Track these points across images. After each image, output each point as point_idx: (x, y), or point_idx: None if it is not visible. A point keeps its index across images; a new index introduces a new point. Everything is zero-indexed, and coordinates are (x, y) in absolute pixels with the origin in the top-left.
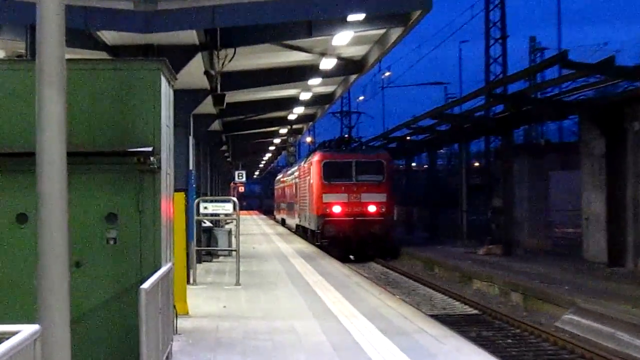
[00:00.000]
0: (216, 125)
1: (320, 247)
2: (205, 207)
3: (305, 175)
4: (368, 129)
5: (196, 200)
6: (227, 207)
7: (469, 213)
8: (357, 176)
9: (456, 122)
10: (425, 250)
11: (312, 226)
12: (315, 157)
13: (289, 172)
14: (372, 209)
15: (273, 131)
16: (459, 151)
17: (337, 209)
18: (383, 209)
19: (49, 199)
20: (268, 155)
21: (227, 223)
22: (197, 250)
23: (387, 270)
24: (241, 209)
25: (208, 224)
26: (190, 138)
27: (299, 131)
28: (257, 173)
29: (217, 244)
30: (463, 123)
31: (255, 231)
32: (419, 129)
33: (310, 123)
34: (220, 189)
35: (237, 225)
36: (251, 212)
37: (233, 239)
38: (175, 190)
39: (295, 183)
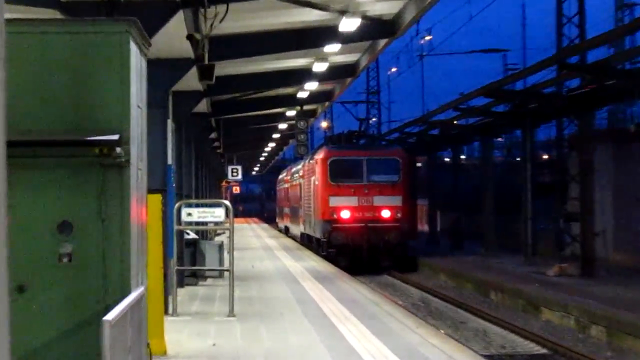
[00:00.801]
0: (203, 106)
1: (327, 257)
2: (189, 214)
3: (309, 175)
4: (401, 110)
5: (177, 205)
6: (218, 214)
7: (534, 220)
8: (368, 176)
9: (518, 102)
10: (476, 269)
11: (317, 233)
12: (320, 154)
13: (294, 169)
14: (386, 214)
15: (277, 114)
16: (522, 139)
17: (345, 214)
18: (399, 214)
19: None
20: (271, 145)
21: (218, 234)
22: (179, 271)
23: (426, 295)
24: (236, 215)
25: (193, 235)
26: (169, 122)
27: (312, 113)
28: (256, 169)
29: (205, 261)
30: (527, 102)
31: (255, 244)
32: (468, 110)
33: (327, 103)
34: (208, 189)
35: (231, 237)
36: (249, 219)
37: (226, 255)
38: (150, 191)
39: (300, 184)
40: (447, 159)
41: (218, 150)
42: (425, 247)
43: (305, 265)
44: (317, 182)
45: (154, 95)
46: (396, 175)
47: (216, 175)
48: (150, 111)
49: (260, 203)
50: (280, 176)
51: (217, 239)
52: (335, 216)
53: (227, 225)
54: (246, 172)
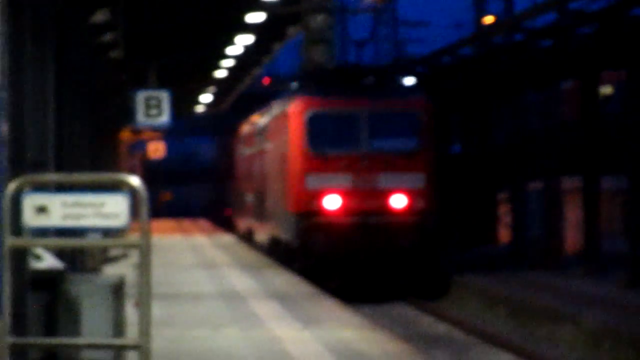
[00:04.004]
0: None
1: (305, 273)
2: (43, 209)
3: (275, 138)
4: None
5: (11, 187)
6: (112, 209)
7: None
8: (370, 141)
9: None
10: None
11: (286, 235)
12: (293, 104)
13: (264, 117)
14: (398, 201)
15: None
16: None
17: (332, 203)
18: (419, 202)
19: None
20: (241, 41)
21: (111, 260)
22: (14, 349)
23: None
24: (157, 214)
25: (50, 261)
26: None
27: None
28: (205, 100)
29: (81, 326)
30: None
31: (200, 282)
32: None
33: None
34: (91, 151)
35: (144, 268)
36: (189, 221)
37: (130, 311)
38: None
39: (262, 151)
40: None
41: (113, 55)
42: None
43: (322, 338)
44: (287, 151)
45: None
46: (414, 138)
47: (109, 117)
48: None
49: (215, 184)
50: (242, 129)
51: (109, 270)
52: (314, 205)
53: (135, 238)
54: (182, 110)
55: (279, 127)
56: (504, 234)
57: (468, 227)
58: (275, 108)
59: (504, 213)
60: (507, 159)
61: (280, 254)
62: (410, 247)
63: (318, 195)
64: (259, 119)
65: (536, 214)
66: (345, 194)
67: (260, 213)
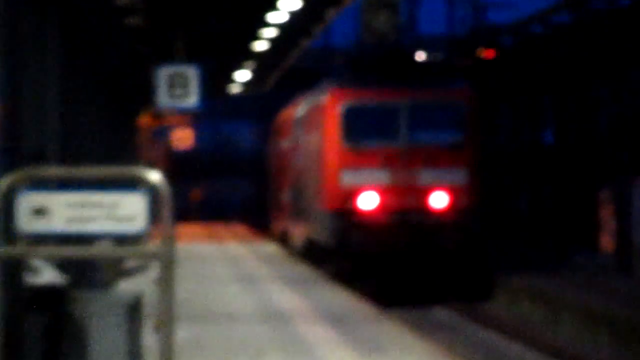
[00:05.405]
0: None
1: (341, 275)
2: (41, 212)
3: (309, 131)
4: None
5: (5, 183)
6: (127, 212)
7: None
8: (411, 134)
9: None
10: None
11: (322, 236)
12: (327, 95)
13: (295, 111)
14: (439, 199)
15: None
16: None
17: (369, 201)
18: (462, 200)
19: None
20: (276, 17)
21: (127, 274)
22: None
23: None
24: (187, 217)
25: (51, 275)
26: None
27: None
28: (241, 79)
29: (87, 355)
30: None
31: (237, 303)
32: None
33: None
34: (103, 139)
35: (167, 284)
36: (223, 226)
37: (148, 338)
38: None
39: (297, 145)
40: None
41: (131, 22)
42: None
43: None
44: (321, 145)
45: None
46: (459, 131)
47: (126, 99)
48: None
49: (256, 179)
50: (279, 118)
51: (124, 286)
52: (350, 203)
53: (155, 247)
54: (214, 90)
55: (314, 119)
56: (606, 241)
57: (563, 231)
58: (311, 98)
59: (607, 215)
60: (612, 150)
61: (316, 257)
62: (452, 248)
63: (354, 192)
64: (296, 109)
65: None
66: (382, 191)
67: (296, 213)
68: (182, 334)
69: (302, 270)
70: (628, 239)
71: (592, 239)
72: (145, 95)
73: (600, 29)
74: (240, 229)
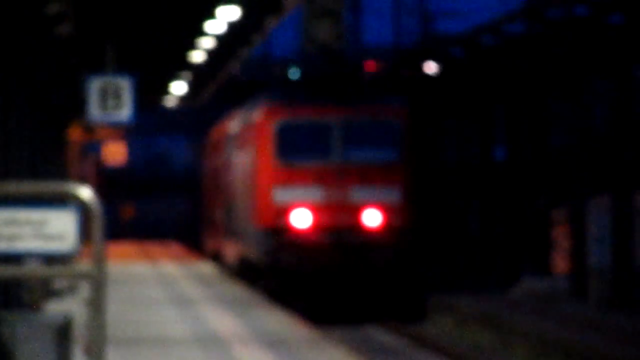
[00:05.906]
0: None
1: (273, 294)
2: None
3: (241, 147)
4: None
5: None
6: (55, 229)
7: None
8: (345, 151)
9: None
10: None
11: (255, 254)
12: (259, 113)
13: (227, 127)
14: (372, 218)
15: None
16: None
17: (301, 219)
18: (395, 219)
19: None
20: (214, 26)
21: (53, 294)
22: None
23: None
24: (117, 235)
25: None
26: None
27: None
28: (177, 91)
29: None
30: None
31: (169, 318)
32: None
33: None
34: (27, 153)
35: (98, 305)
36: (157, 245)
37: None
38: None
39: (229, 161)
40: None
41: (59, 31)
42: None
43: None
44: (254, 162)
45: None
46: (394, 148)
47: (54, 111)
48: None
49: (191, 197)
50: (212, 134)
51: (53, 307)
52: (282, 221)
53: (85, 267)
54: (148, 102)
55: (247, 136)
56: (560, 262)
57: (515, 252)
58: (245, 114)
59: (561, 236)
60: (566, 167)
61: (250, 276)
62: (382, 267)
63: (286, 210)
64: (229, 124)
65: (602, 238)
66: (315, 209)
67: (229, 231)
68: (114, 359)
69: (237, 290)
70: (582, 261)
71: (545, 260)
72: (75, 107)
73: (556, 39)
74: (174, 247)
